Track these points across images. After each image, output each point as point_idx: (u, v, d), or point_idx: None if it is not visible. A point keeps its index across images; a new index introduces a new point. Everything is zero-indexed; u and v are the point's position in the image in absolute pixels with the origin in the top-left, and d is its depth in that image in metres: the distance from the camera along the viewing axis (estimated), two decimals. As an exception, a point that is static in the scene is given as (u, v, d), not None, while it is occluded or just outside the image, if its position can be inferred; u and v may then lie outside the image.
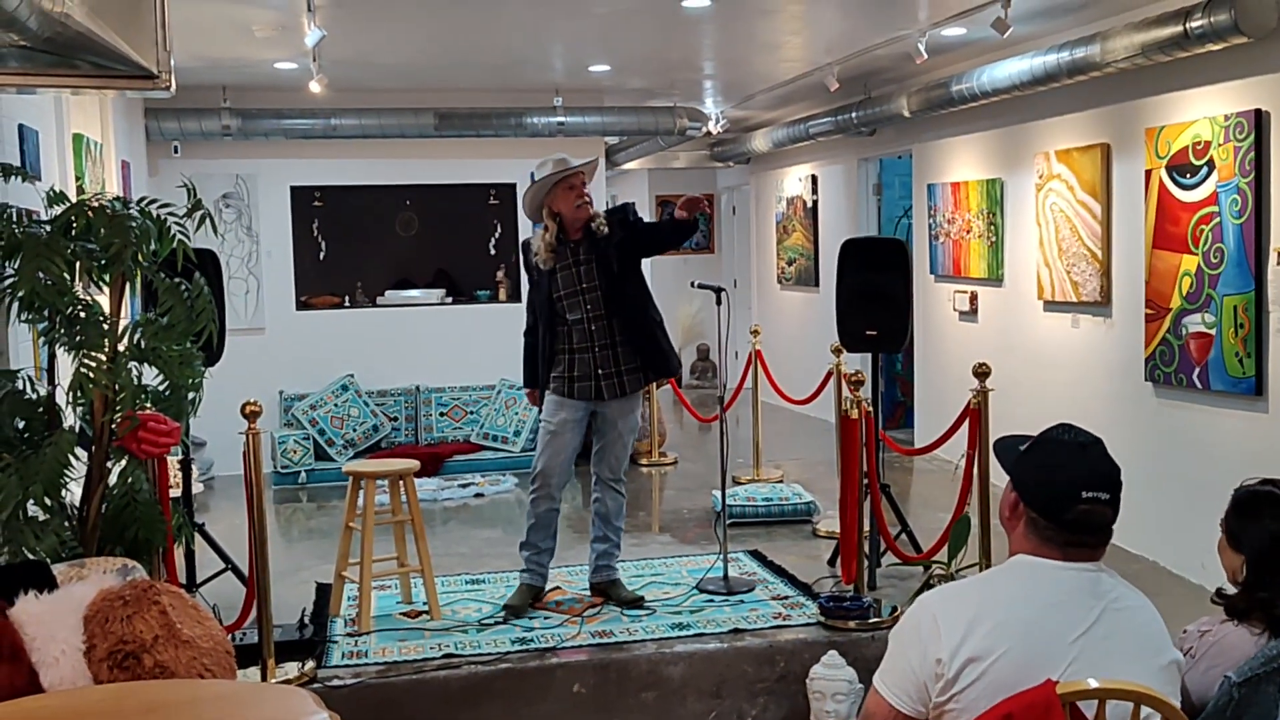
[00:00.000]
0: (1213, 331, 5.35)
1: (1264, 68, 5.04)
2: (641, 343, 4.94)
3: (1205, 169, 5.35)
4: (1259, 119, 5.05)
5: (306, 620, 4.81)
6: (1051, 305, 6.80)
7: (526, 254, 5.08)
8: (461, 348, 8.69)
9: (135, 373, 3.63)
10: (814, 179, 10.43)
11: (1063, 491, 2.09)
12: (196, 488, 6.38)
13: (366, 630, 4.81)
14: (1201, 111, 5.42)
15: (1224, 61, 5.19)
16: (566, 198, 4.84)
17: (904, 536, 5.69)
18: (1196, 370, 5.47)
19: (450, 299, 8.97)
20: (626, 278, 4.91)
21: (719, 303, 5.23)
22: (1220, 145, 5.25)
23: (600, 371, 4.89)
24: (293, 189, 8.62)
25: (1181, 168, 5.51)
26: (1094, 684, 1.97)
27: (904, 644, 2.09)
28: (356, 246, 8.94)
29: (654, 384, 8.55)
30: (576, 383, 4.90)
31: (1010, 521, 2.18)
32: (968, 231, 7.76)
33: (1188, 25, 4.99)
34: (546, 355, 4.97)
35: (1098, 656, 2.00)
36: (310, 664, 4.41)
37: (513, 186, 8.86)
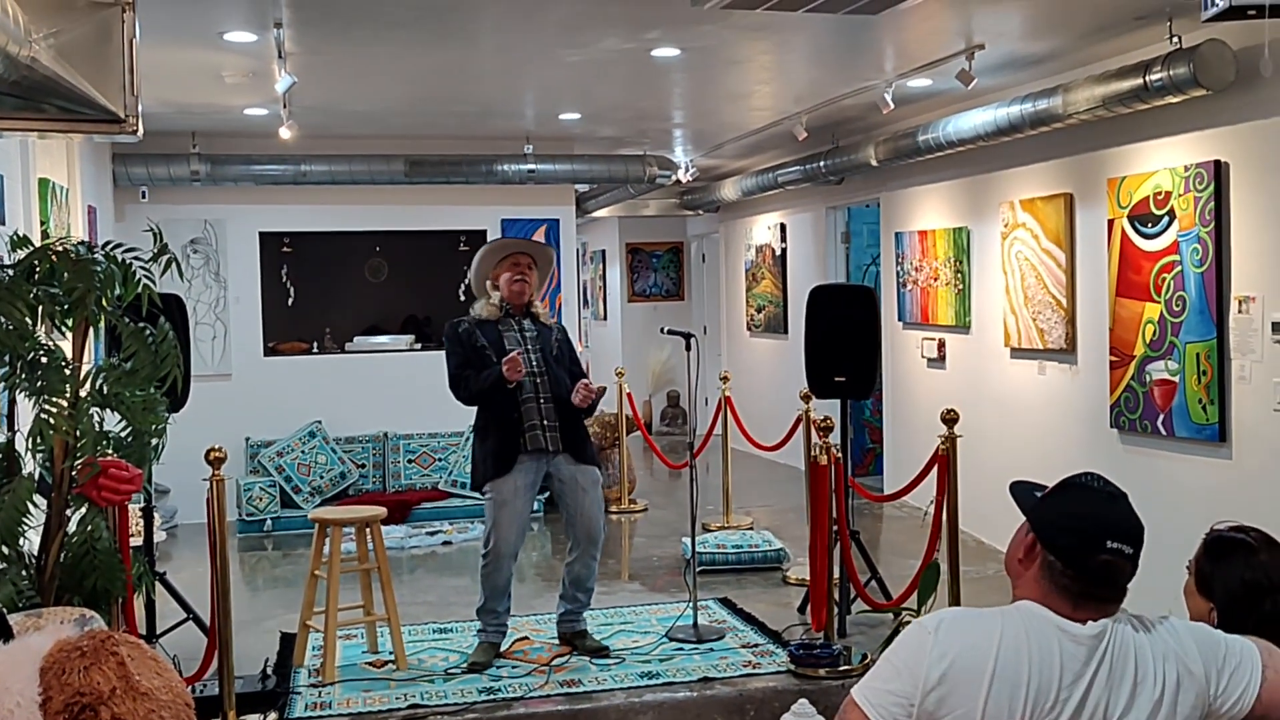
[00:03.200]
0: (1176, 379, 5.40)
1: (1223, 120, 5.14)
2: (568, 415, 4.94)
3: (1166, 219, 5.44)
4: (1218, 170, 5.14)
5: (269, 671, 4.73)
6: (1018, 352, 6.86)
7: (457, 327, 5.01)
8: (430, 394, 8.58)
9: (97, 418, 3.59)
10: (783, 227, 10.51)
11: (1089, 538, 1.99)
12: (159, 536, 6.30)
13: (331, 680, 4.74)
14: (1162, 162, 5.52)
15: (1184, 113, 5.29)
16: (508, 273, 5.01)
17: (874, 583, 5.67)
18: (1160, 417, 5.52)
19: (419, 345, 8.94)
20: (559, 368, 5.00)
21: (689, 349, 5.24)
22: (1181, 195, 5.34)
23: (546, 422, 4.88)
24: (261, 234, 8.59)
25: (1143, 217, 5.60)
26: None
27: (897, 666, 2.00)
28: (325, 292, 8.90)
29: (624, 429, 8.57)
30: (527, 433, 4.86)
31: (1023, 564, 2.06)
32: (935, 279, 7.83)
33: (1147, 78, 5.09)
34: (495, 416, 4.90)
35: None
36: (273, 715, 4.34)
37: (483, 233, 8.87)
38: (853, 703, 2.01)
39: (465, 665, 4.88)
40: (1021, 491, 2.15)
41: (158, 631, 5.04)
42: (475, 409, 5.01)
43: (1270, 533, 2.48)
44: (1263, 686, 2.04)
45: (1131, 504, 2.08)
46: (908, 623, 4.73)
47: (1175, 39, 5.05)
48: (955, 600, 4.85)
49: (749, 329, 11.31)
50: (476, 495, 8.19)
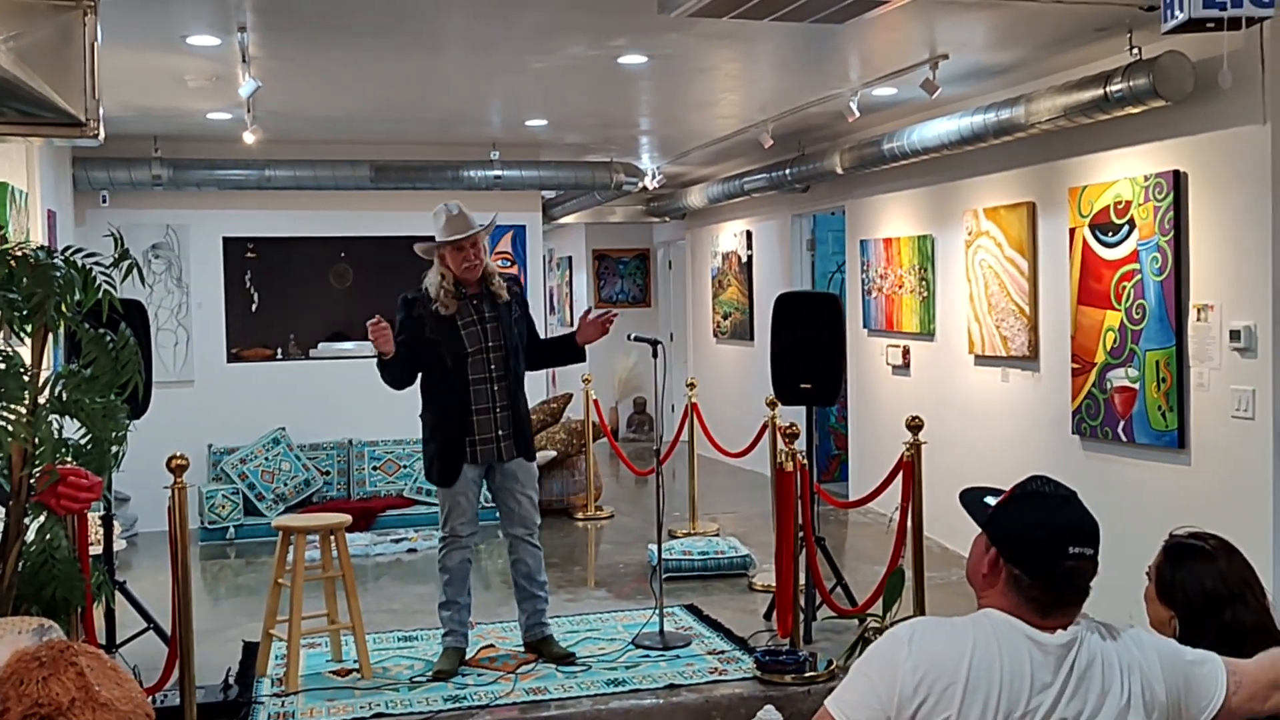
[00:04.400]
0: (1136, 385, 5.47)
1: (1182, 130, 5.21)
2: (519, 417, 4.91)
3: (1126, 228, 5.50)
4: (1177, 179, 5.21)
5: (231, 681, 4.68)
6: (982, 359, 6.92)
7: (410, 307, 4.89)
8: (395, 401, 8.51)
9: (56, 426, 3.54)
10: (749, 234, 10.55)
11: (1051, 547, 2.00)
12: (119, 544, 6.22)
13: (294, 690, 4.70)
14: (1122, 172, 5.58)
15: (1143, 124, 5.36)
16: (455, 258, 4.84)
17: (839, 589, 5.70)
18: (1121, 423, 5.58)
19: (385, 352, 8.88)
20: (518, 359, 4.92)
21: (655, 356, 5.24)
22: (1140, 205, 5.41)
23: (501, 433, 4.83)
24: (225, 240, 8.51)
25: (1104, 226, 5.66)
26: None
27: (871, 676, 2.00)
28: (290, 298, 8.83)
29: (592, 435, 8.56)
30: (479, 446, 4.82)
31: (988, 579, 2.07)
32: (900, 287, 7.89)
33: (1108, 89, 5.16)
34: (442, 422, 4.84)
35: None
36: (235, 726, 4.29)
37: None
38: (827, 713, 2.02)
39: (430, 673, 4.85)
40: (972, 502, 2.16)
41: (117, 641, 4.98)
42: (423, 392, 4.91)
43: (1229, 538, 2.52)
44: (1224, 706, 2.08)
45: (1082, 501, 2.10)
46: (873, 628, 4.77)
47: (1135, 50, 5.12)
48: (920, 606, 4.88)
49: (715, 336, 11.34)
50: (442, 502, 8.22)
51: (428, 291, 4.87)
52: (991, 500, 2.14)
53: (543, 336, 5.37)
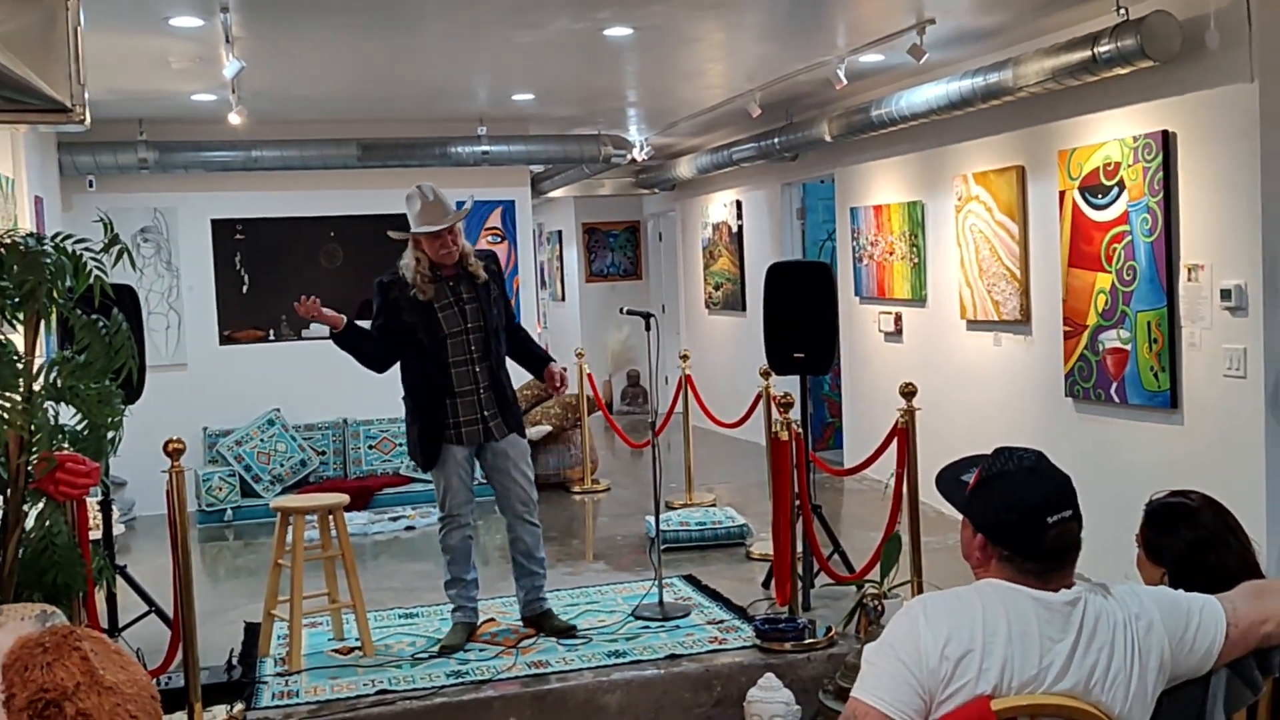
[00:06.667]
0: (1128, 347, 5.49)
1: (1170, 90, 5.20)
2: (504, 396, 4.89)
3: (1116, 189, 5.51)
4: (1166, 140, 5.21)
5: (234, 661, 4.71)
6: (974, 324, 6.93)
7: (386, 291, 4.84)
8: (389, 379, 8.50)
9: (52, 412, 3.54)
10: (739, 204, 10.53)
11: (1029, 523, 2.06)
12: (117, 529, 6.24)
13: (297, 669, 4.73)
14: (1111, 133, 5.58)
15: (1132, 85, 5.35)
16: (431, 245, 4.77)
17: (836, 557, 5.73)
18: (1114, 385, 5.61)
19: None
20: (499, 339, 4.90)
21: (648, 328, 5.25)
22: (1130, 166, 5.41)
23: (486, 413, 4.83)
24: (213, 222, 8.48)
25: (1093, 188, 5.66)
26: (1023, 701, 1.99)
27: (898, 656, 2.02)
28: (280, 279, 8.81)
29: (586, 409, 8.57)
30: (464, 428, 4.82)
31: (981, 559, 2.14)
32: (890, 253, 7.89)
33: (1096, 50, 5.15)
34: (422, 405, 4.83)
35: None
36: (239, 706, 4.32)
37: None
38: (863, 705, 2.01)
39: (437, 647, 4.88)
40: (949, 487, 2.22)
41: (120, 625, 5.00)
42: (402, 374, 4.92)
43: (1222, 496, 2.55)
44: (1227, 640, 2.14)
45: (1049, 460, 2.14)
46: (871, 594, 4.80)
47: (1122, 11, 5.10)
48: (917, 571, 4.92)
49: (707, 307, 11.34)
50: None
51: (404, 276, 4.81)
52: (967, 477, 2.18)
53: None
